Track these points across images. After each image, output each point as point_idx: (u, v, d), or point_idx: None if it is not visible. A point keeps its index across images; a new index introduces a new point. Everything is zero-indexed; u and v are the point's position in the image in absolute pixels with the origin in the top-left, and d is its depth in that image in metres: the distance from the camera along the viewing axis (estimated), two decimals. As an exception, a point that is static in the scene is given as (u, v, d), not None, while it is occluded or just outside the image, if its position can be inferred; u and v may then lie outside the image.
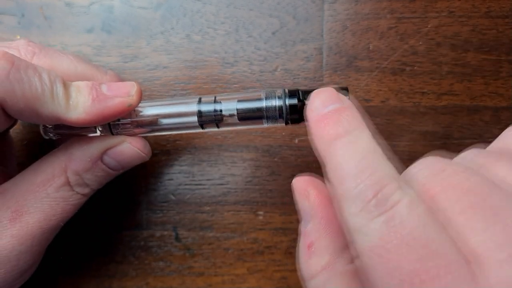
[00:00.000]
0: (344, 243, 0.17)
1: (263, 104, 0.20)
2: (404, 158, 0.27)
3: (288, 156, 0.27)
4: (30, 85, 0.18)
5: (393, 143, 0.27)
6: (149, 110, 0.21)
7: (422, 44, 0.27)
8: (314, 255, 0.17)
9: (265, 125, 0.21)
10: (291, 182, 0.27)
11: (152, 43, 0.28)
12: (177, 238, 0.27)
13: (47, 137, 0.22)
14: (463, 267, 0.12)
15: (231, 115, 0.21)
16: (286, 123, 0.20)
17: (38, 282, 0.24)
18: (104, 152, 0.21)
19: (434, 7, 0.27)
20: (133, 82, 0.20)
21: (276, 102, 0.20)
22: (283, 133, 0.27)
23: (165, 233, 0.27)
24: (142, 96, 0.21)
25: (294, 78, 0.27)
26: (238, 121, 0.21)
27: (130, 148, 0.21)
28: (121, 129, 0.21)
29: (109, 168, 0.22)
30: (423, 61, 0.27)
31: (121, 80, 0.24)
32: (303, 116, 0.20)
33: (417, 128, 0.27)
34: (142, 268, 0.27)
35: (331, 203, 0.18)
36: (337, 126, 0.16)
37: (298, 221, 0.27)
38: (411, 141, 0.27)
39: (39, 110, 0.18)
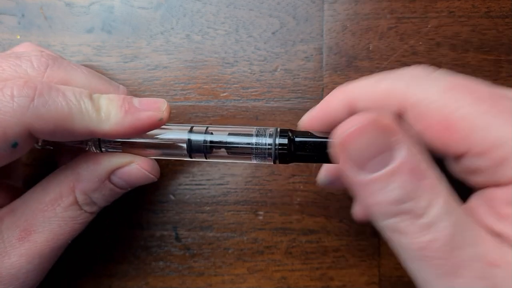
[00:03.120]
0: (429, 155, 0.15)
1: (253, 140, 0.20)
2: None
3: (288, 156, 0.27)
4: (56, 106, 0.18)
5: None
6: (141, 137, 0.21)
7: (422, 44, 0.27)
8: (427, 174, 0.14)
9: (253, 162, 0.21)
10: (291, 182, 0.27)
11: (152, 43, 0.28)
12: (177, 238, 0.27)
13: (38, 147, 0.22)
14: None
15: (220, 148, 0.20)
16: (274, 162, 0.20)
17: (38, 282, 0.24)
18: (112, 172, 0.21)
19: (434, 7, 0.27)
20: (163, 99, 0.21)
21: (267, 140, 0.20)
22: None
23: (165, 233, 0.27)
24: (170, 113, 0.21)
25: (294, 78, 0.28)
26: (227, 155, 0.21)
27: (137, 169, 0.21)
28: (111, 148, 0.21)
29: (116, 187, 0.22)
30: (423, 61, 0.27)
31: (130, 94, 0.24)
32: (291, 158, 0.19)
33: (417, 128, 0.27)
34: (142, 268, 0.27)
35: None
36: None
37: (298, 221, 0.27)
38: (411, 141, 0.27)
39: (70, 128, 0.18)
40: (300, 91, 0.27)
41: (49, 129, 0.18)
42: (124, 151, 0.22)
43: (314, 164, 0.27)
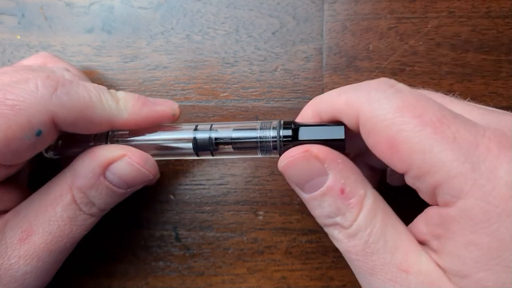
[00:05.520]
0: (361, 173, 0.18)
1: (258, 134, 0.20)
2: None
3: (288, 156, 0.27)
4: (78, 96, 0.19)
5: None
6: (145, 135, 0.22)
7: (422, 44, 0.27)
8: (351, 194, 0.18)
9: (259, 156, 0.21)
10: (291, 182, 0.27)
11: (152, 43, 0.28)
12: (177, 238, 0.27)
13: (48, 156, 0.23)
14: None
15: (226, 144, 0.21)
16: (280, 154, 0.20)
17: None
18: (106, 167, 0.21)
19: (434, 7, 0.27)
20: (173, 101, 0.23)
21: (270, 133, 0.20)
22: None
23: (165, 233, 0.27)
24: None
25: (294, 78, 0.28)
26: (233, 150, 0.21)
27: (129, 162, 0.21)
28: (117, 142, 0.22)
29: (113, 185, 0.21)
30: (423, 61, 0.27)
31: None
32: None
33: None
34: (142, 268, 0.27)
35: (333, 150, 0.19)
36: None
37: (298, 221, 0.27)
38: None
39: (91, 117, 0.20)
40: (300, 91, 0.27)
41: (71, 118, 0.19)
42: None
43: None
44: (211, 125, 0.21)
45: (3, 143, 0.18)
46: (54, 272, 0.22)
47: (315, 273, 0.27)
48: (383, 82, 0.18)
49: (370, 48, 0.28)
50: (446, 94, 0.20)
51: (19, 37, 0.28)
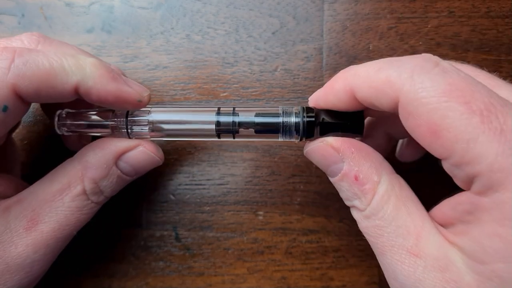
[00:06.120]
0: (378, 160, 0.19)
1: (280, 119, 0.21)
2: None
3: (288, 156, 0.27)
4: (37, 64, 0.18)
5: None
6: (167, 115, 0.22)
7: (422, 44, 0.27)
8: (365, 180, 0.19)
9: (280, 139, 0.21)
10: (291, 182, 0.27)
11: (152, 43, 0.28)
12: (177, 238, 0.27)
13: (60, 133, 0.22)
14: None
15: (248, 128, 0.21)
16: (300, 139, 0.21)
17: (37, 282, 0.24)
18: (119, 157, 0.21)
19: (434, 7, 0.27)
20: (146, 88, 0.22)
21: (293, 119, 0.21)
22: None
23: (165, 233, 0.27)
24: (149, 102, 0.22)
25: (294, 78, 0.27)
26: (254, 134, 0.21)
27: (144, 152, 0.22)
28: (137, 128, 0.21)
29: (123, 173, 0.22)
30: (423, 61, 0.27)
31: (122, 72, 0.25)
32: (317, 131, 0.21)
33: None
34: (142, 268, 0.27)
35: (348, 140, 0.19)
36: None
37: (298, 221, 0.27)
38: (411, 141, 0.27)
39: (53, 84, 0.18)
40: (300, 91, 0.27)
41: (33, 88, 0.18)
42: (151, 134, 0.22)
43: (314, 165, 0.27)
44: (234, 108, 0.21)
45: None
46: (55, 258, 0.22)
47: (315, 273, 0.27)
48: (428, 60, 0.17)
49: (370, 48, 0.27)
50: (491, 73, 0.19)
51: (19, 37, 0.28)
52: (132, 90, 0.20)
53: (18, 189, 0.21)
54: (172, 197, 0.27)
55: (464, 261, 0.16)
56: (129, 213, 0.27)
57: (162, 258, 0.27)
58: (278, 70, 0.28)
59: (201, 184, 0.27)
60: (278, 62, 0.28)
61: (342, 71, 0.19)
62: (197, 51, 0.28)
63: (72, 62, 0.19)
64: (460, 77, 0.16)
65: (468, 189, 0.16)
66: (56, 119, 0.22)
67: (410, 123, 0.17)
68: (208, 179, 0.27)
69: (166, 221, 0.27)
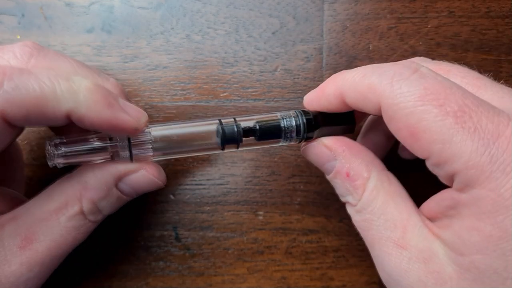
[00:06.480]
0: (368, 157, 0.20)
1: (282, 125, 0.21)
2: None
3: (288, 156, 0.27)
4: (27, 89, 0.17)
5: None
6: (168, 132, 0.21)
7: (422, 44, 0.27)
8: (356, 176, 0.20)
9: (281, 144, 0.22)
10: (291, 182, 0.27)
11: (152, 43, 0.28)
12: (177, 238, 0.27)
13: (52, 165, 0.20)
14: None
15: (249, 136, 0.21)
16: (300, 141, 0.22)
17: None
18: (120, 179, 0.21)
19: (434, 7, 0.27)
20: (145, 113, 0.20)
21: (294, 123, 0.21)
22: (283, 133, 0.27)
23: (165, 233, 0.27)
24: (147, 125, 0.21)
25: (294, 78, 0.28)
26: (256, 142, 0.21)
27: (146, 176, 0.21)
28: (138, 150, 0.20)
29: (123, 194, 0.21)
30: (423, 61, 0.27)
31: (121, 87, 0.24)
32: (315, 134, 0.22)
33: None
34: (142, 268, 0.27)
35: (340, 139, 0.21)
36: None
37: (298, 221, 0.27)
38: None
39: (44, 111, 0.18)
40: (300, 91, 0.27)
41: (22, 114, 0.17)
42: (154, 154, 0.21)
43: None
44: (235, 119, 0.21)
45: None
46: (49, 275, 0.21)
47: (315, 273, 0.27)
48: (408, 66, 0.18)
49: (370, 48, 0.28)
50: (482, 74, 0.20)
51: (19, 37, 0.28)
52: (128, 118, 0.19)
53: (14, 205, 0.21)
54: (172, 197, 0.27)
55: (446, 253, 0.17)
56: (129, 213, 0.27)
57: (162, 258, 0.27)
58: (278, 70, 0.28)
59: (201, 184, 0.27)
60: (278, 62, 0.28)
61: (333, 75, 0.21)
62: (197, 51, 0.28)
63: (65, 87, 0.18)
64: (436, 81, 0.17)
65: (451, 185, 0.17)
66: (48, 148, 0.19)
67: (392, 126, 0.18)
68: (208, 179, 0.27)
69: (166, 221, 0.27)
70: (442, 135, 0.16)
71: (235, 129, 0.21)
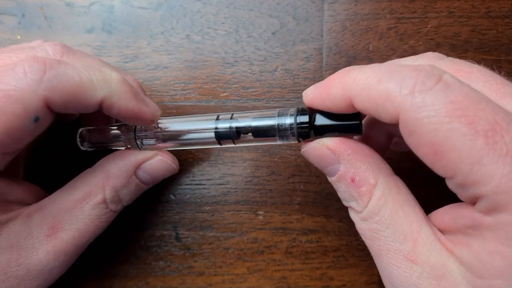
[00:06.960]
0: (375, 161, 0.19)
1: (275, 123, 0.21)
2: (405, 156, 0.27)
3: (288, 156, 0.27)
4: (68, 78, 0.19)
5: (393, 143, 0.27)
6: (171, 126, 0.23)
7: (422, 44, 0.27)
8: (361, 182, 0.18)
9: (278, 142, 0.21)
10: (291, 182, 0.27)
11: (152, 43, 0.28)
12: (177, 238, 0.27)
13: (83, 149, 0.24)
14: None
15: (246, 133, 0.21)
16: (298, 141, 0.21)
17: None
18: (138, 166, 0.22)
19: (434, 7, 0.27)
20: (159, 107, 0.22)
21: (288, 121, 0.20)
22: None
23: (165, 233, 0.27)
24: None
25: (294, 78, 0.28)
26: (253, 138, 0.21)
27: (163, 160, 0.23)
28: (146, 140, 0.23)
29: (141, 182, 0.23)
30: (423, 61, 0.27)
31: (139, 83, 0.25)
32: (313, 133, 0.20)
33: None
34: (143, 268, 0.27)
35: (345, 141, 0.19)
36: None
37: (298, 221, 0.27)
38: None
39: (82, 97, 0.19)
40: (300, 91, 0.27)
41: (63, 100, 0.19)
42: (158, 145, 0.23)
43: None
44: (232, 115, 0.22)
45: (4, 135, 0.18)
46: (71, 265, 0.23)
47: (315, 273, 0.27)
48: (431, 74, 0.16)
49: (370, 48, 0.28)
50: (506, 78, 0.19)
51: (19, 37, 0.28)
52: (148, 110, 0.21)
53: (38, 197, 0.22)
54: (172, 197, 0.27)
55: (461, 271, 0.16)
56: (129, 213, 0.27)
57: (162, 258, 0.27)
58: (278, 70, 0.28)
59: (201, 184, 0.27)
60: (278, 62, 0.28)
61: (340, 72, 0.18)
62: (197, 51, 0.28)
63: (100, 77, 0.20)
64: (463, 93, 0.15)
65: (472, 205, 0.16)
66: (78, 137, 0.24)
67: (412, 141, 0.16)
68: (208, 179, 0.27)
69: (166, 220, 0.27)
70: (471, 156, 0.14)
71: (229, 126, 0.21)
